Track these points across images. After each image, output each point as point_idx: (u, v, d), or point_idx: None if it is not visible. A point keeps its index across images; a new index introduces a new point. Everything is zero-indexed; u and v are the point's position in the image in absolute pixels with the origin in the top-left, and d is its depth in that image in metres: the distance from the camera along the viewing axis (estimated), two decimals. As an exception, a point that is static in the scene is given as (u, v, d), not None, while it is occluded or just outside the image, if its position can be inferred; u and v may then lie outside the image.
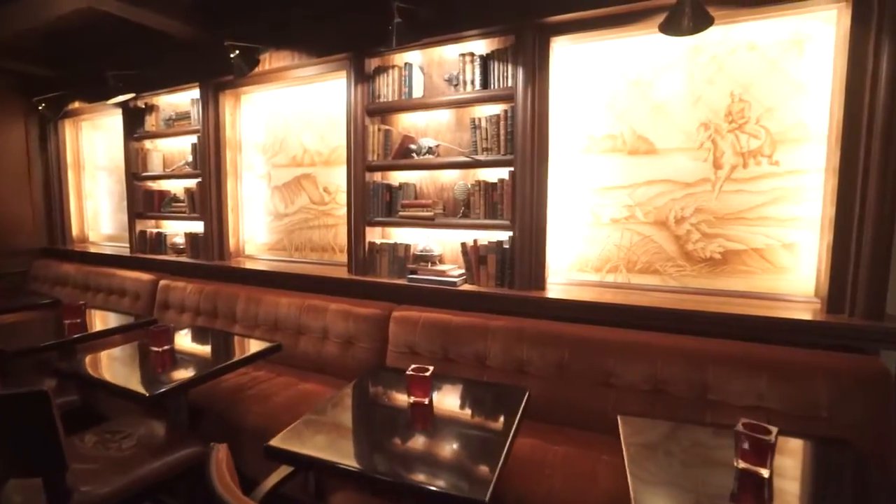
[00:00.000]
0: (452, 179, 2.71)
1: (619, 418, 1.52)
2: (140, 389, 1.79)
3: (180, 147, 3.83)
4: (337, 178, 3.16)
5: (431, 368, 1.66)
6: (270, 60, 2.97)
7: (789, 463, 1.35)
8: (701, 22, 1.75)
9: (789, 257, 2.12)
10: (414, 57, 2.73)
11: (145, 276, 3.53)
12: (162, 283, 3.43)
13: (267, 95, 3.42)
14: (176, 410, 2.04)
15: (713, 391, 1.82)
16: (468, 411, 1.70)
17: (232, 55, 2.76)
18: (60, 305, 3.33)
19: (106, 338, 2.67)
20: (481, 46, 2.54)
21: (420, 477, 1.23)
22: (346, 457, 1.36)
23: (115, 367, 2.09)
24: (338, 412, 1.67)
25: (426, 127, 2.76)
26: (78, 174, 4.58)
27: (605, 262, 2.47)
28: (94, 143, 4.56)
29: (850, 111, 1.83)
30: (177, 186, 3.87)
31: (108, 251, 4.20)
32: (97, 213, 4.64)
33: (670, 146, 2.30)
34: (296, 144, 3.32)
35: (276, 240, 3.47)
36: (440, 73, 2.69)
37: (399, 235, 2.86)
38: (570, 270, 2.54)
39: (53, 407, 1.49)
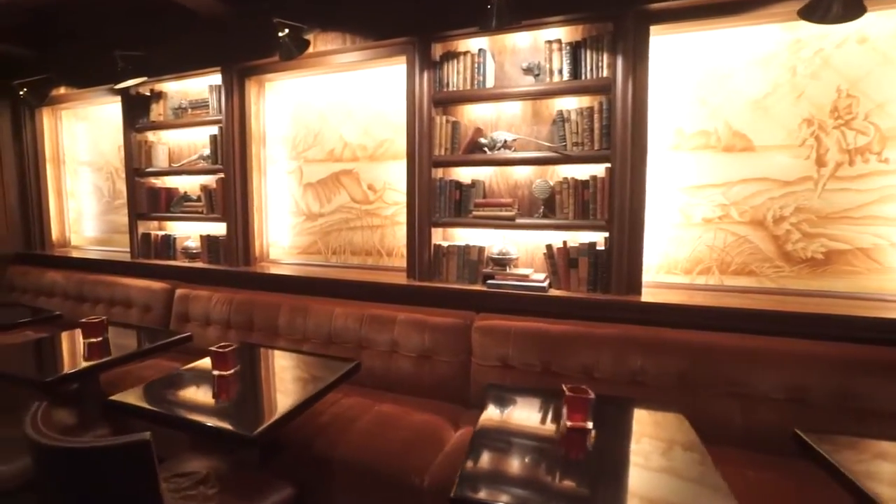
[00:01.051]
0: (526, 176, 2.52)
1: (799, 433, 1.39)
2: (226, 426, 1.50)
3: (190, 139, 3.43)
4: (384, 175, 2.90)
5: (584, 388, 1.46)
6: (315, 43, 2.67)
7: None
8: (852, 11, 1.65)
9: (901, 257, 2.08)
10: (479, 44, 2.51)
11: (157, 285, 3.13)
12: (179, 291, 3.04)
13: (297, 83, 3.10)
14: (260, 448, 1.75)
15: (859, 399, 1.73)
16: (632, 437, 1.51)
17: (281, 34, 2.44)
18: (62, 320, 2.88)
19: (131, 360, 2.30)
20: (559, 34, 2.36)
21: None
22: None
23: (172, 397, 1.77)
24: (499, 451, 1.43)
25: (497, 119, 2.56)
26: (58, 170, 4.04)
27: (696, 263, 2.36)
28: (76, 135, 4.04)
29: None
30: (187, 183, 3.47)
31: (93, 255, 3.72)
32: (80, 213, 4.12)
33: (769, 143, 2.21)
34: (333, 138, 3.02)
35: (309, 242, 3.16)
36: (513, 61, 2.49)
37: (467, 237, 2.64)
38: (657, 273, 2.42)
39: (154, 456, 1.21)
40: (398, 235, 2.88)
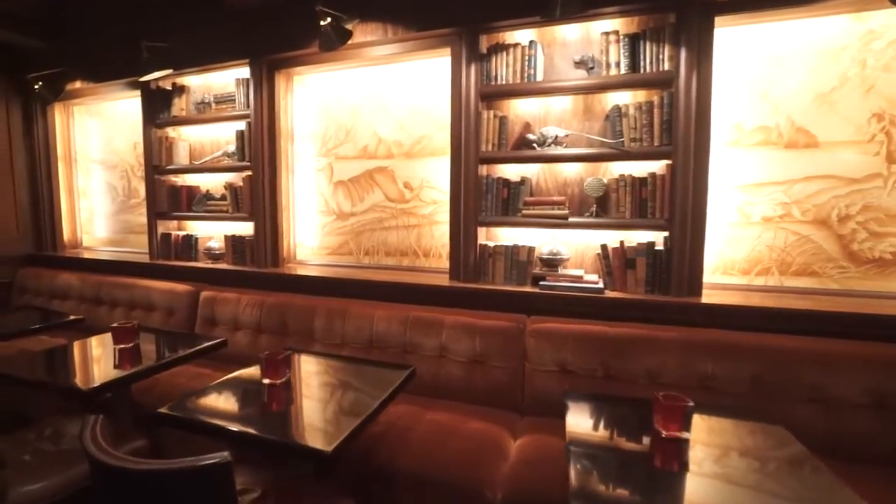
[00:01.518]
0: (576, 174, 2.43)
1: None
2: (307, 442, 1.39)
3: (213, 136, 3.30)
4: (421, 172, 2.79)
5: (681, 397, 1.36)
6: (353, 34, 2.56)
7: None
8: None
9: (977, 257, 2.01)
10: (526, 36, 2.42)
11: (180, 287, 3.00)
12: (204, 294, 2.91)
13: (327, 77, 2.98)
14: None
15: (952, 406, 1.65)
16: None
17: (322, 23, 2.32)
18: (83, 324, 2.74)
19: (168, 367, 2.17)
20: (614, 25, 2.27)
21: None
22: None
23: (222, 407, 1.65)
24: (597, 463, 1.33)
25: (545, 115, 2.46)
26: (69, 168, 3.89)
27: (755, 263, 2.28)
28: (88, 131, 3.89)
29: None
30: (209, 182, 3.34)
31: (107, 256, 3.57)
32: (92, 213, 3.97)
33: (835, 139, 2.13)
34: (367, 134, 2.91)
35: (339, 242, 3.04)
36: (563, 54, 2.40)
37: (513, 237, 2.54)
38: (712, 273, 2.33)
39: (234, 478, 1.11)
40: (436, 235, 2.78)
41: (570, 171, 2.44)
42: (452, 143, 2.47)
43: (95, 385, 1.76)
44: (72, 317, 2.72)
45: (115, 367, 2.04)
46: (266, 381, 1.75)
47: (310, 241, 3.14)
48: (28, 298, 3.52)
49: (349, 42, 2.54)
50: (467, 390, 2.22)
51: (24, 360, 2.15)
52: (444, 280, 2.57)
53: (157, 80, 3.12)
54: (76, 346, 2.25)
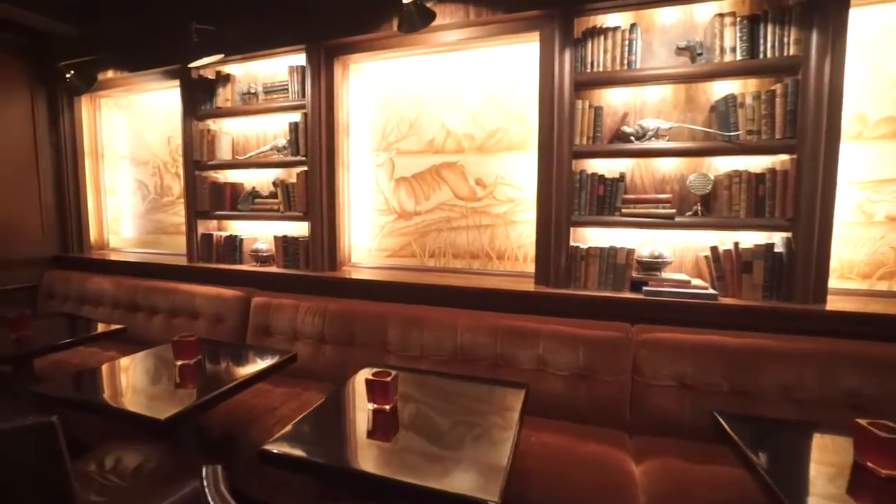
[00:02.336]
0: (675, 169, 2.24)
1: None
2: (463, 490, 1.18)
3: (259, 129, 3.08)
4: (496, 168, 2.59)
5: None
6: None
7: None
8: None
9: None
10: (621, 20, 2.22)
11: (229, 292, 2.77)
12: (256, 300, 2.69)
13: (388, 65, 2.76)
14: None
15: None
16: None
17: (406, 1, 2.11)
18: (126, 334, 2.51)
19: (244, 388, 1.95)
20: (721, 7, 2.08)
21: None
22: None
23: (325, 440, 1.45)
24: None
25: (641, 105, 2.27)
26: (96, 164, 3.64)
27: (877, 266, 2.10)
28: (116, 125, 3.64)
29: None
30: (253, 178, 3.11)
31: (134, 258, 3.34)
32: (119, 212, 3.72)
33: (972, 131, 1.95)
34: (434, 126, 2.70)
35: (401, 244, 2.83)
36: (662, 39, 2.21)
37: (608, 238, 2.34)
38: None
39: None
40: (512, 236, 2.58)
41: (668, 166, 2.24)
42: (541, 136, 2.27)
43: (173, 414, 1.53)
44: (113, 326, 2.49)
45: (178, 386, 1.83)
46: (373, 406, 1.54)
47: (364, 243, 2.92)
48: (56, 304, 3.27)
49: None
50: (569, 407, 2.02)
51: (73, 378, 1.92)
52: (528, 285, 2.37)
53: (205, 67, 2.89)
54: (126, 361, 2.03)
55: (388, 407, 1.53)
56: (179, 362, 1.95)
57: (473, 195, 2.64)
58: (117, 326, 2.48)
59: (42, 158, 3.35)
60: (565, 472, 1.66)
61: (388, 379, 1.53)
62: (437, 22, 2.32)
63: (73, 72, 2.97)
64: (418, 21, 2.13)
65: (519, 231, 2.56)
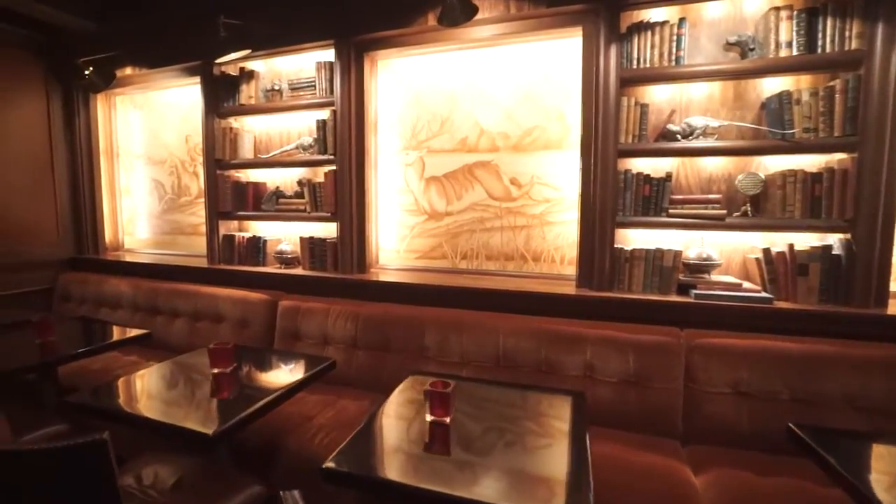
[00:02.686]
0: (723, 168, 2.17)
1: None
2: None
3: (283, 127, 3.00)
4: (532, 167, 2.51)
5: None
6: (467, 12, 2.26)
7: None
8: None
9: None
10: (667, 14, 2.15)
11: (255, 295, 2.69)
12: (284, 304, 2.61)
13: (416, 61, 2.68)
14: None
15: None
16: None
17: (448, -6, 2.03)
18: (151, 339, 2.43)
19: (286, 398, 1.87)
20: (764, 1, 2.01)
21: None
22: None
23: (389, 456, 1.38)
24: None
25: (686, 102, 2.20)
26: (111, 164, 3.55)
27: (932, 269, 2.03)
28: (131, 124, 3.55)
29: None
30: (276, 177, 3.03)
31: (148, 259, 3.25)
32: (134, 212, 3.64)
33: None
34: (466, 124, 2.62)
35: (432, 245, 2.75)
36: (710, 34, 2.14)
37: (651, 240, 2.27)
38: (882, 280, 2.08)
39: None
40: (549, 237, 2.50)
41: (715, 166, 2.17)
42: (584, 134, 2.20)
43: (222, 429, 1.45)
44: (137, 332, 2.40)
45: (215, 395, 1.76)
46: (431, 417, 1.47)
47: (392, 244, 2.85)
48: (72, 307, 3.19)
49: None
50: (619, 415, 1.95)
51: (105, 388, 1.84)
52: (568, 287, 2.30)
53: (228, 63, 2.80)
54: (156, 369, 1.95)
55: (448, 420, 1.45)
56: (215, 370, 1.88)
57: (508, 195, 2.57)
58: (142, 332, 2.40)
59: (57, 158, 3.26)
60: (629, 482, 1.59)
61: (449, 390, 1.46)
62: (477, 16, 2.24)
63: (91, 69, 2.87)
64: (461, 15, 2.05)
65: (556, 232, 2.48)
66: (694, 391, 1.89)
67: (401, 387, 1.74)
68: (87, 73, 2.88)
